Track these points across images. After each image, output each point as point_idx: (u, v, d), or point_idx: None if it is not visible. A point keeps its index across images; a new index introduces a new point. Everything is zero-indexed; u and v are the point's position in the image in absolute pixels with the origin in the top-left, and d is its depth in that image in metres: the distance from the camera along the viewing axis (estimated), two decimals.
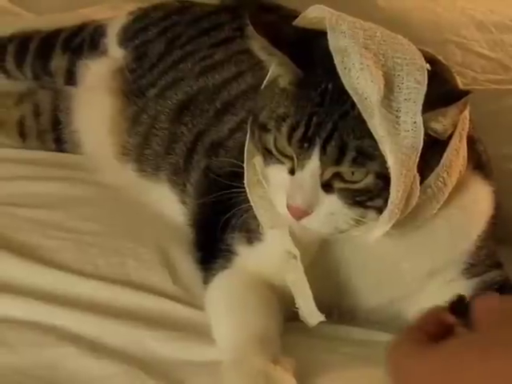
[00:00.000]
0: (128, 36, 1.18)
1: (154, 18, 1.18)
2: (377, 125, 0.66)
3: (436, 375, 0.49)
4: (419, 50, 0.72)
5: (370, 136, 0.67)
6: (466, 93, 0.69)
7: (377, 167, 0.68)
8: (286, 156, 0.71)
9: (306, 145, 0.68)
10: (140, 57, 1.13)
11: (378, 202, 0.70)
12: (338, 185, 0.69)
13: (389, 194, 0.68)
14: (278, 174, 0.72)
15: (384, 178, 0.68)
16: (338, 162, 0.68)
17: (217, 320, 0.80)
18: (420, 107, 0.67)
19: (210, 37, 1.10)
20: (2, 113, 1.18)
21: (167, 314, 0.83)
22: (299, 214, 0.69)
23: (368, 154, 0.67)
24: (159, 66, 1.10)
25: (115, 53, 1.18)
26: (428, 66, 0.69)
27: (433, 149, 0.70)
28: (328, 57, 0.68)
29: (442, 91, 0.70)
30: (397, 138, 0.66)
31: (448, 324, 0.53)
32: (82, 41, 1.23)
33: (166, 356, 0.78)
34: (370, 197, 0.69)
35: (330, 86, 0.68)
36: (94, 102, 1.11)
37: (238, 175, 0.78)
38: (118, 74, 1.12)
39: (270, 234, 0.79)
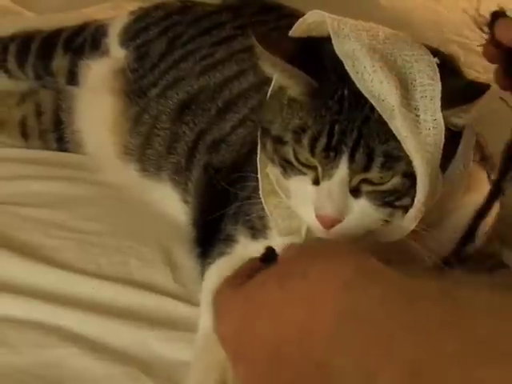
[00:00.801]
0: (129, 36, 1.18)
1: (155, 18, 1.18)
2: (399, 126, 0.65)
3: (244, 305, 0.53)
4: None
5: (393, 138, 0.66)
6: (487, 87, 0.68)
7: (403, 167, 0.67)
8: (309, 167, 0.69)
9: (332, 154, 0.67)
10: (141, 57, 1.13)
11: (406, 201, 0.69)
12: (366, 188, 0.68)
13: (415, 192, 0.67)
14: (300, 185, 0.70)
15: (410, 177, 0.67)
16: (367, 168, 0.67)
17: (203, 307, 0.80)
18: (438, 104, 0.66)
19: (212, 36, 1.09)
20: (3, 112, 1.17)
21: (169, 314, 0.83)
22: (330, 222, 0.68)
23: (394, 156, 0.66)
24: (160, 65, 1.10)
25: (117, 53, 1.18)
26: (437, 59, 0.69)
27: (450, 141, 0.68)
28: (337, 62, 0.67)
29: (460, 86, 0.69)
30: (419, 136, 0.65)
31: (259, 269, 0.57)
32: (84, 41, 1.23)
33: (167, 356, 0.78)
34: (397, 196, 0.69)
35: (345, 92, 0.67)
36: (96, 102, 1.10)
37: (239, 168, 0.77)
38: (120, 74, 1.12)
39: (281, 238, 0.78)
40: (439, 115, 0.66)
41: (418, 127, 0.66)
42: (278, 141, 0.71)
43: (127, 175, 1.04)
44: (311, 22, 0.72)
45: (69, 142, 1.13)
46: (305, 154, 0.69)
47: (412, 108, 0.66)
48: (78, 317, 0.81)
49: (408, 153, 0.66)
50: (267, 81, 0.75)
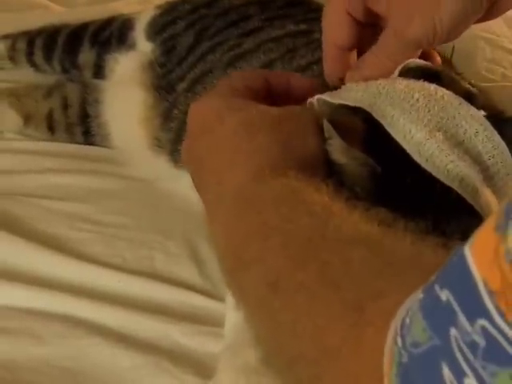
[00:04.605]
0: (156, 30, 1.18)
1: (182, 12, 1.18)
2: (483, 204, 0.58)
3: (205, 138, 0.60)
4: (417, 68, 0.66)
5: (469, 213, 0.58)
6: None
7: None
8: None
9: None
10: (168, 50, 1.13)
11: None
12: None
13: None
14: None
15: None
16: None
17: (229, 303, 0.79)
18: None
19: (239, 27, 1.09)
20: (30, 106, 1.18)
21: (195, 308, 0.83)
22: None
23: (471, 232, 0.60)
24: (188, 59, 1.09)
25: (144, 47, 1.18)
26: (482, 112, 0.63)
27: None
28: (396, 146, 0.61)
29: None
30: None
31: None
32: (110, 34, 1.23)
33: (194, 349, 0.77)
34: None
35: (408, 179, 0.61)
36: (124, 95, 1.11)
37: None
38: (148, 67, 1.12)
39: None
40: None
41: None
42: None
43: (157, 167, 1.04)
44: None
45: (95, 136, 1.13)
46: None
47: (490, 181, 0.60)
48: (104, 310, 0.82)
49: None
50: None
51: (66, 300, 0.82)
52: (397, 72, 0.65)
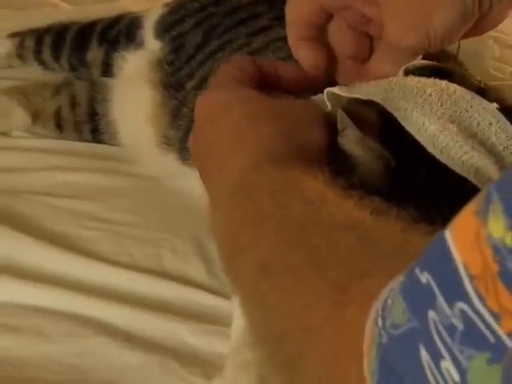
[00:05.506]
0: (164, 28, 1.18)
1: (191, 10, 1.18)
2: None
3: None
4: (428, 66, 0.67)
5: None
6: None
7: None
8: None
9: None
10: (177, 49, 1.13)
11: None
12: None
13: None
14: None
15: None
16: None
17: (237, 302, 0.79)
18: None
19: (248, 26, 1.09)
20: (38, 103, 1.18)
21: (202, 307, 0.83)
22: None
23: None
24: (196, 57, 1.09)
25: (152, 45, 1.18)
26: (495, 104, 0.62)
27: None
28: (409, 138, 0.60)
29: None
30: None
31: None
32: (119, 32, 1.23)
33: (201, 348, 0.77)
34: None
35: (423, 171, 0.61)
36: (133, 93, 1.10)
37: None
38: (156, 66, 1.12)
39: None
40: None
41: None
42: None
43: (166, 165, 1.04)
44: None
45: (103, 134, 1.13)
46: None
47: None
48: (111, 308, 0.82)
49: None
50: None
51: (73, 298, 0.82)
52: (401, 72, 0.65)
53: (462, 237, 0.31)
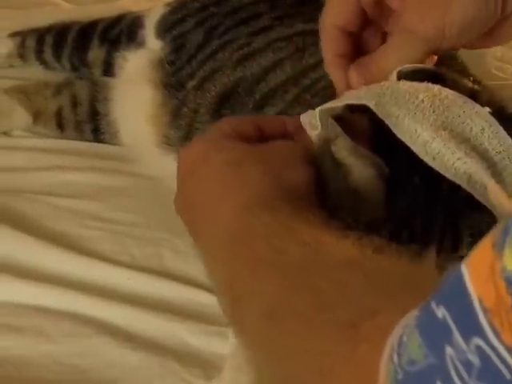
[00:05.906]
0: (165, 27, 1.18)
1: (192, 9, 1.18)
2: (493, 201, 0.57)
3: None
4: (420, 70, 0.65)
5: (477, 210, 0.59)
6: None
7: None
8: None
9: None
10: (178, 48, 1.13)
11: None
12: None
13: None
14: None
15: None
16: (455, 250, 0.61)
17: None
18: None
19: (249, 26, 1.09)
20: (40, 103, 1.18)
21: (203, 307, 0.83)
22: None
23: (482, 229, 0.59)
24: (197, 56, 1.09)
25: (153, 44, 1.18)
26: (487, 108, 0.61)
27: None
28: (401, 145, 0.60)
29: None
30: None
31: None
32: (120, 32, 1.23)
33: (201, 349, 0.77)
34: None
35: (416, 178, 0.61)
36: (134, 93, 1.10)
37: None
38: (157, 65, 1.12)
39: None
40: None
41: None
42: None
43: (166, 164, 1.04)
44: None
45: (104, 133, 1.13)
46: None
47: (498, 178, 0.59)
48: (112, 308, 0.82)
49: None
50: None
51: (74, 298, 0.83)
52: (394, 76, 0.64)
53: (477, 269, 0.31)
